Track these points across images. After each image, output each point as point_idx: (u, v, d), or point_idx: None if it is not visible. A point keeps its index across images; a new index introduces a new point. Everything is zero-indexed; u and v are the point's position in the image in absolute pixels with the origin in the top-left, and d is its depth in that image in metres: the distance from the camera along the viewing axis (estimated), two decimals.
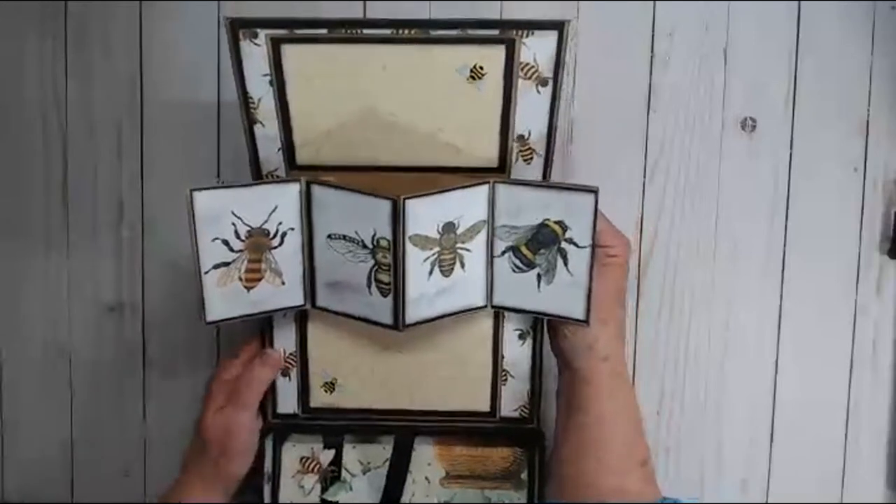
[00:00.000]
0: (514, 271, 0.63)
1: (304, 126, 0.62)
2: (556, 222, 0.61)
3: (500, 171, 0.63)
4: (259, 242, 0.62)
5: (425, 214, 0.59)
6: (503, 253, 0.63)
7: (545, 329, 0.66)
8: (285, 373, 0.68)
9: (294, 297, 0.65)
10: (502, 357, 0.67)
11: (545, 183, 0.63)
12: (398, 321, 0.60)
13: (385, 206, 0.58)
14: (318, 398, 0.68)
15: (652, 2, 0.72)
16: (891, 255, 0.73)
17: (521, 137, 0.62)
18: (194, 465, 0.66)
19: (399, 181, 0.60)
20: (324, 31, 0.58)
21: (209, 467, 0.65)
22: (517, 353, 0.67)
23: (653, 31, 0.72)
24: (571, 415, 0.63)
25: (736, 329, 0.74)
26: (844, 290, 0.74)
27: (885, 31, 0.72)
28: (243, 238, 0.61)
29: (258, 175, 0.63)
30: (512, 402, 0.68)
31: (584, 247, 0.60)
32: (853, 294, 0.74)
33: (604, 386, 0.62)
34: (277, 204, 0.62)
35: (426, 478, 0.70)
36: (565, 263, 0.61)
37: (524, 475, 0.70)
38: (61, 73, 0.73)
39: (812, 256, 0.73)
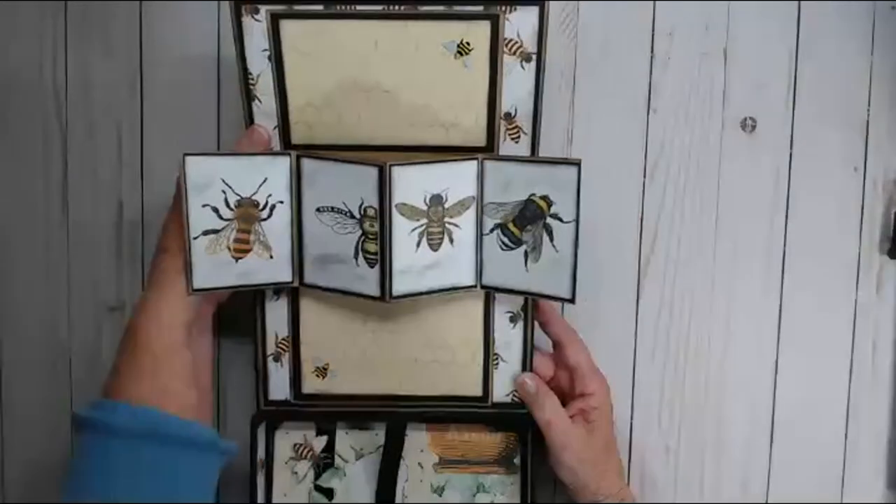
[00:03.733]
0: (502, 249, 0.64)
1: (299, 103, 0.63)
2: (541, 197, 0.62)
3: (488, 150, 0.64)
4: (248, 213, 0.63)
5: (412, 183, 0.61)
6: (491, 231, 0.65)
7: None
8: (277, 358, 0.68)
9: (282, 272, 0.65)
10: (493, 341, 0.68)
11: (530, 158, 0.64)
12: (385, 292, 0.62)
13: (372, 174, 0.60)
14: (311, 384, 0.69)
15: (652, 2, 0.72)
16: (891, 255, 0.73)
17: (507, 115, 0.64)
18: (160, 256, 0.63)
19: (388, 158, 0.61)
20: (320, 7, 0.61)
21: (177, 256, 0.62)
22: (508, 336, 0.68)
23: (653, 31, 0.72)
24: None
25: (736, 329, 0.74)
26: (844, 290, 0.74)
27: (885, 31, 0.72)
28: (232, 207, 0.62)
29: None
30: (504, 386, 0.69)
31: (569, 222, 0.61)
32: (853, 294, 0.74)
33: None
34: (267, 176, 0.63)
35: (419, 463, 0.71)
36: (551, 239, 0.63)
37: (517, 460, 0.70)
38: (61, 73, 0.73)
39: (812, 256, 0.73)
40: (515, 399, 0.69)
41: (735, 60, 0.72)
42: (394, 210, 0.60)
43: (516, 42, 0.62)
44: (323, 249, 0.64)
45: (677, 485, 0.75)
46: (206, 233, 0.62)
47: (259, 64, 0.62)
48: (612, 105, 0.72)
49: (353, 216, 0.62)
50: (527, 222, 0.63)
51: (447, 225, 0.63)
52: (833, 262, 0.73)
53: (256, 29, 0.61)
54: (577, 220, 0.61)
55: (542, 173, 0.62)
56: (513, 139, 0.65)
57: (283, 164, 0.63)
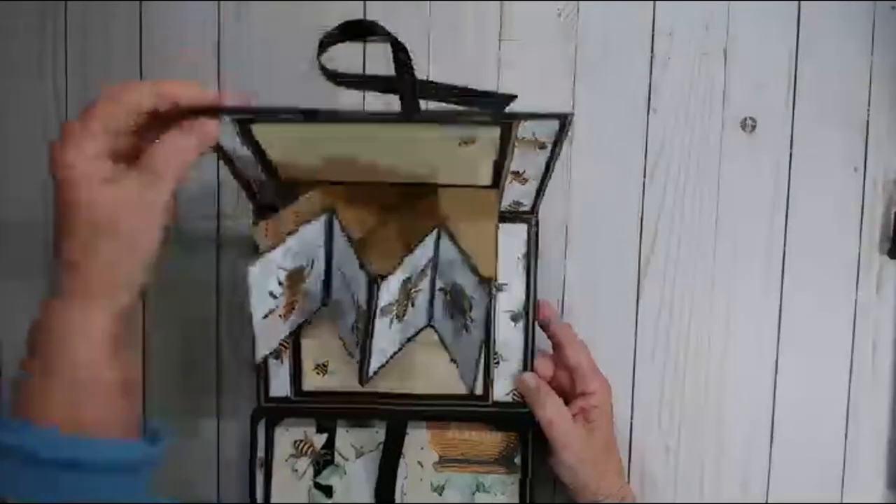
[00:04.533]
0: (444, 309, 0.65)
1: (285, 167, 0.61)
2: (467, 297, 0.62)
3: (493, 187, 0.63)
4: (295, 278, 0.63)
5: (394, 281, 0.59)
6: (440, 290, 0.65)
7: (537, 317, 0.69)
8: (277, 356, 0.68)
9: (316, 303, 0.67)
10: (494, 340, 0.68)
11: (465, 253, 0.60)
12: (362, 379, 0.62)
13: (363, 279, 0.58)
14: (311, 381, 0.69)
15: (652, 2, 0.72)
16: (891, 255, 0.73)
17: (516, 173, 0.63)
18: (71, 269, 0.48)
19: (389, 195, 0.61)
20: (298, 115, 0.50)
21: (95, 268, 0.47)
22: (509, 335, 0.68)
23: (653, 30, 0.72)
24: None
25: (736, 329, 0.74)
26: (844, 290, 0.74)
27: (885, 31, 0.72)
28: (283, 282, 0.62)
29: (248, 188, 0.64)
30: (504, 385, 0.69)
31: (475, 332, 0.61)
32: (853, 294, 0.74)
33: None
34: (312, 245, 0.63)
35: (419, 462, 0.71)
36: (467, 332, 0.63)
37: (517, 459, 0.70)
38: (61, 72, 0.73)
39: (812, 256, 0.73)
40: (516, 398, 0.69)
41: (735, 60, 0.72)
42: (377, 314, 0.59)
43: (531, 139, 0.58)
44: (338, 295, 0.66)
45: (677, 485, 0.75)
46: (266, 315, 0.61)
47: (232, 141, 0.56)
48: (612, 105, 0.72)
49: (353, 299, 0.62)
50: (455, 305, 0.63)
51: (411, 293, 0.63)
52: (833, 262, 0.73)
53: (225, 122, 0.51)
54: (485, 339, 0.62)
55: (468, 274, 0.60)
56: (519, 183, 0.64)
57: (320, 225, 0.62)
